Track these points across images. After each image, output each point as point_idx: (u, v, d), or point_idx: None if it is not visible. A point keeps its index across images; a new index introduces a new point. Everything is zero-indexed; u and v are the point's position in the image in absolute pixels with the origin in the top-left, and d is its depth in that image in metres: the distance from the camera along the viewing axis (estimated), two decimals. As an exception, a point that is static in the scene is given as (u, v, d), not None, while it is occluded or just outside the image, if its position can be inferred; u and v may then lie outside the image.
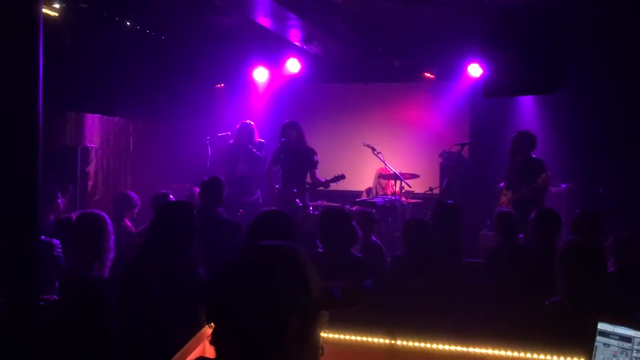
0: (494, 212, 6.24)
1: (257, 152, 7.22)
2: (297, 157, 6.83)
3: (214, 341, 1.28)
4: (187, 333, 2.04)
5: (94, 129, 8.14)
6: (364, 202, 7.42)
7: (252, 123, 7.44)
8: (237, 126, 7.50)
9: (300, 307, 1.26)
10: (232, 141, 7.49)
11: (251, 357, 1.23)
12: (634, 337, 1.72)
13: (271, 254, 1.33)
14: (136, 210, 5.69)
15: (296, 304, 1.26)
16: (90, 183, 7.81)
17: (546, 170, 6.04)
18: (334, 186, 7.12)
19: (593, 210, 4.91)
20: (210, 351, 1.31)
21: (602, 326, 1.78)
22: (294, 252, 1.34)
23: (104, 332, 2.53)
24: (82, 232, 3.41)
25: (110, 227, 3.50)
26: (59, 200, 5.62)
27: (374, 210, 6.27)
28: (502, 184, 6.54)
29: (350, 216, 4.14)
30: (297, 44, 8.46)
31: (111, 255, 3.43)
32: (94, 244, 3.33)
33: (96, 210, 3.73)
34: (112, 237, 3.50)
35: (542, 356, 2.05)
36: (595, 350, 1.77)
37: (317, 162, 6.90)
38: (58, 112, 7.55)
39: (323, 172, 7.05)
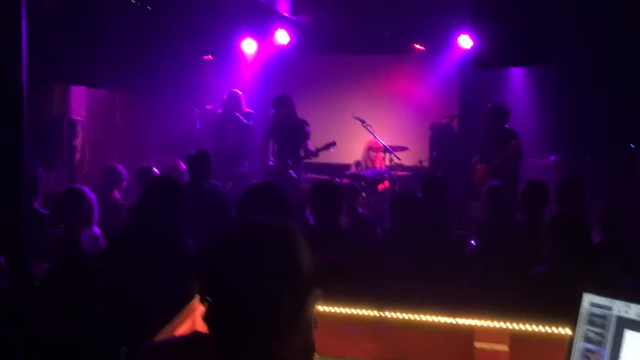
0: (472, 185, 6.34)
1: (245, 122, 7.19)
2: (289, 130, 6.80)
3: (206, 318, 1.28)
4: (175, 306, 2.05)
5: (80, 101, 8.04)
6: (353, 175, 7.43)
7: (239, 92, 7.38)
8: (225, 96, 7.45)
9: (291, 285, 1.25)
10: (220, 111, 7.44)
11: (243, 335, 1.24)
12: (613, 307, 1.75)
13: (261, 231, 1.31)
14: (125, 183, 5.67)
15: (287, 282, 1.25)
16: (77, 156, 7.75)
17: (517, 138, 6.09)
18: (323, 158, 7.11)
19: (575, 179, 4.95)
20: (200, 324, 1.31)
21: (587, 296, 1.80)
22: (285, 229, 1.33)
23: (93, 306, 2.53)
24: (65, 205, 3.45)
25: (92, 198, 3.56)
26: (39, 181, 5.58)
27: (363, 183, 6.29)
28: (475, 158, 6.58)
29: (341, 190, 4.15)
30: (285, 14, 8.36)
31: (95, 227, 3.49)
32: (77, 215, 3.38)
33: (78, 185, 3.80)
34: (95, 207, 3.56)
35: (527, 326, 2.08)
36: (580, 320, 1.79)
37: (309, 132, 6.88)
38: (43, 83, 7.43)
39: (313, 144, 7.03)
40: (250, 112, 7.38)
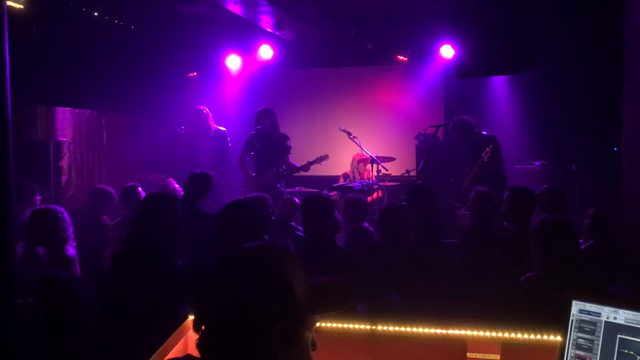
0: (461, 193, 6.43)
1: (211, 142, 7.10)
2: (271, 144, 6.81)
3: (199, 346, 1.28)
4: (167, 328, 2.04)
5: (66, 122, 8.01)
6: (341, 187, 7.45)
7: (206, 110, 7.30)
8: (191, 115, 7.38)
9: (284, 315, 1.24)
10: (184, 130, 7.37)
11: None
12: (602, 313, 1.77)
13: (252, 260, 1.29)
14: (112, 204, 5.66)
15: (279, 313, 1.24)
16: (64, 178, 7.70)
17: (492, 143, 6.22)
18: (311, 171, 7.12)
19: (557, 187, 5.01)
20: (193, 346, 1.31)
21: (576, 303, 1.82)
22: (276, 255, 1.31)
23: (79, 332, 2.51)
24: (35, 228, 3.46)
25: (65, 219, 3.57)
26: (37, 197, 5.55)
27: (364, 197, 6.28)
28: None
29: (332, 203, 4.16)
30: (269, 30, 8.40)
31: (71, 245, 3.49)
32: (50, 237, 3.39)
33: (49, 205, 3.81)
34: (69, 227, 3.56)
35: (519, 335, 2.09)
36: (571, 327, 1.81)
37: (289, 147, 6.89)
38: (27, 106, 7.40)
39: (300, 158, 7.04)
40: (222, 131, 7.27)
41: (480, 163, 6.16)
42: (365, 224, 4.77)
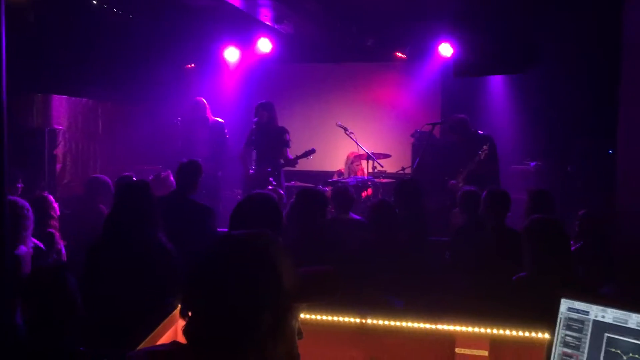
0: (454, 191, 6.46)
1: (208, 134, 7.08)
2: (269, 138, 6.81)
3: (185, 332, 1.28)
4: (157, 317, 2.04)
5: (62, 110, 7.99)
6: (337, 182, 7.45)
7: (204, 101, 7.27)
8: (188, 105, 7.34)
9: (271, 301, 1.25)
10: (181, 121, 7.35)
11: (222, 350, 1.24)
12: (590, 311, 1.78)
13: (241, 248, 1.30)
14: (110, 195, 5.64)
15: (266, 301, 1.24)
16: (58, 166, 7.68)
17: (489, 142, 6.26)
18: (306, 166, 7.12)
19: (541, 189, 5.03)
20: (182, 335, 1.31)
21: (565, 301, 1.83)
22: (265, 243, 1.31)
23: (70, 322, 2.51)
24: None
25: (29, 216, 3.56)
26: (19, 185, 5.54)
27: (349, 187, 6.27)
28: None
29: (326, 197, 4.16)
30: (268, 23, 8.38)
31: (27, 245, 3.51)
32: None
33: (16, 198, 3.79)
34: (30, 226, 3.56)
35: (507, 332, 2.10)
36: (559, 325, 1.82)
37: (289, 140, 6.89)
38: (23, 93, 7.38)
39: (296, 152, 7.04)
40: (219, 122, 7.23)
41: (477, 161, 6.19)
42: (352, 214, 4.78)
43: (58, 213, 4.85)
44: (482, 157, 6.16)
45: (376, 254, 3.69)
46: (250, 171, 6.86)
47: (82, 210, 5.58)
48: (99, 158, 8.57)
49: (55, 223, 4.75)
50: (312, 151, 6.88)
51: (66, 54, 7.37)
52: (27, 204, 3.76)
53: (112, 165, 8.21)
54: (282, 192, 5.32)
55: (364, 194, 7.42)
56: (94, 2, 7.66)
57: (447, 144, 7.23)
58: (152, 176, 6.10)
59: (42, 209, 4.55)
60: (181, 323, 1.30)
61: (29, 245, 3.76)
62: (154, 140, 8.42)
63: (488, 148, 6.16)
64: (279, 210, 3.18)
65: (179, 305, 1.30)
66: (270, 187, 5.11)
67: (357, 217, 4.81)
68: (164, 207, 3.74)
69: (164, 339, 2.00)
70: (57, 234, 4.58)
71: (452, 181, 6.55)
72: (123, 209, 3.34)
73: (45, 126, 7.49)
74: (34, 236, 3.98)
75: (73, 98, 8.19)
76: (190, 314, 1.27)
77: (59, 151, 7.71)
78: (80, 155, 8.23)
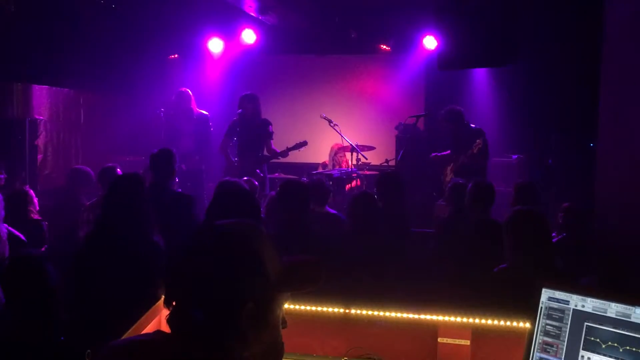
0: (441, 183, 6.50)
1: (193, 126, 7.04)
2: (252, 129, 6.79)
3: (169, 321, 1.28)
4: (143, 306, 2.04)
5: (42, 100, 7.89)
6: (320, 174, 7.46)
7: (189, 92, 7.21)
8: (173, 96, 7.27)
9: (255, 291, 1.25)
10: (164, 113, 7.29)
11: (206, 340, 1.24)
12: (570, 301, 1.81)
13: (223, 236, 1.30)
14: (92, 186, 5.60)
15: (250, 290, 1.24)
16: (39, 157, 7.60)
17: (482, 136, 6.27)
18: (290, 158, 7.11)
19: (529, 181, 5.08)
20: (166, 325, 1.31)
21: (545, 291, 1.85)
22: (249, 233, 1.31)
23: (52, 312, 2.50)
24: None
25: None
26: (1, 176, 5.48)
27: (330, 182, 6.30)
28: (433, 155, 6.75)
29: (308, 189, 4.16)
30: (252, 14, 8.34)
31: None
32: None
33: None
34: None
35: (489, 321, 2.13)
36: (540, 314, 1.84)
37: (272, 132, 6.88)
38: (3, 83, 7.27)
39: (280, 144, 7.03)
40: (204, 115, 7.16)
41: (469, 155, 6.19)
42: (328, 208, 4.77)
43: (37, 208, 4.81)
44: (474, 151, 6.16)
45: (356, 245, 3.70)
46: (234, 162, 6.84)
47: (62, 201, 5.54)
48: (81, 149, 8.48)
49: (34, 217, 4.71)
50: (304, 143, 6.88)
51: (47, 43, 7.27)
52: None
53: (94, 156, 8.14)
54: (256, 183, 5.27)
55: (347, 186, 7.44)
56: (76, -9, 7.57)
57: (435, 135, 7.24)
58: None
59: (23, 202, 4.52)
60: (165, 313, 1.30)
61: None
62: (136, 131, 8.35)
63: (482, 142, 6.16)
64: (253, 199, 3.19)
65: (163, 296, 1.30)
66: (245, 178, 5.07)
67: (333, 211, 4.82)
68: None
69: (149, 329, 1.99)
70: (45, 224, 4.57)
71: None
72: (114, 202, 3.30)
73: (26, 116, 7.39)
74: (16, 229, 3.96)
75: (54, 88, 8.09)
76: (174, 303, 1.27)
77: (40, 142, 7.63)
78: (61, 146, 8.14)
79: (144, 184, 3.42)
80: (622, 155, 4.44)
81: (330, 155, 8.29)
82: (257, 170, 6.64)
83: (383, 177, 4.79)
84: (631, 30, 4.39)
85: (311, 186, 4.73)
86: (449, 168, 6.59)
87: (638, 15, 4.28)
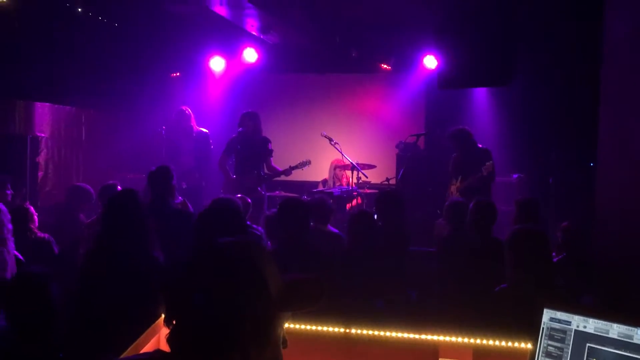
0: (444, 202, 6.45)
1: (193, 143, 7.07)
2: (252, 147, 6.80)
3: (169, 340, 1.27)
4: (143, 322, 2.03)
5: (44, 118, 7.92)
6: (320, 193, 7.45)
7: (189, 110, 7.25)
8: (173, 115, 7.31)
9: (256, 309, 1.24)
10: (165, 131, 7.33)
11: (207, 359, 1.23)
12: (572, 321, 1.80)
13: (226, 255, 1.29)
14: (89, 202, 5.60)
15: (251, 307, 1.24)
16: (40, 174, 7.61)
17: (491, 158, 6.25)
18: (291, 176, 7.11)
19: (532, 198, 5.07)
20: (165, 344, 1.30)
21: (547, 311, 1.85)
22: (250, 250, 1.31)
23: (53, 329, 2.49)
24: None
25: (5, 216, 3.56)
26: (8, 192, 5.48)
27: (331, 201, 6.30)
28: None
29: (308, 207, 4.15)
30: (254, 33, 8.40)
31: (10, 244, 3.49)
32: None
33: None
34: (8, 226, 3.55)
35: (491, 342, 2.12)
36: (541, 335, 1.83)
37: (271, 150, 6.89)
38: (6, 100, 7.31)
39: (280, 162, 7.04)
40: (204, 133, 7.20)
41: (479, 177, 6.15)
42: (330, 227, 4.76)
43: (37, 224, 4.81)
44: (484, 174, 6.12)
45: (355, 263, 3.69)
46: (233, 176, 6.84)
47: (61, 218, 5.54)
48: (82, 166, 8.49)
49: (38, 234, 4.71)
50: (308, 162, 6.88)
51: (50, 61, 7.32)
52: (3, 208, 3.76)
53: (95, 174, 8.15)
54: (249, 200, 5.27)
55: (348, 205, 7.43)
56: (79, 9, 7.63)
57: (435, 154, 7.23)
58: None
59: (23, 219, 4.52)
60: (165, 331, 1.29)
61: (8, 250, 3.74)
62: (137, 149, 8.36)
63: (491, 165, 6.13)
64: (239, 217, 3.19)
65: (163, 314, 1.29)
66: (239, 195, 5.06)
67: (335, 230, 4.81)
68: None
69: (148, 348, 1.98)
70: (53, 239, 4.57)
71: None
72: (112, 219, 3.30)
73: (28, 133, 7.42)
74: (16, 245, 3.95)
75: (56, 105, 8.12)
76: (174, 322, 1.26)
77: (41, 159, 7.65)
78: (62, 163, 8.16)
79: (139, 199, 3.42)
80: (622, 173, 4.45)
81: (330, 170, 8.29)
82: (259, 189, 6.64)
83: (382, 195, 4.79)
84: (629, 49, 4.42)
85: (313, 205, 4.73)
86: (453, 187, 6.56)
87: (635, 34, 4.32)
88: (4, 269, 3.60)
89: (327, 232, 4.67)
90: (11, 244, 3.75)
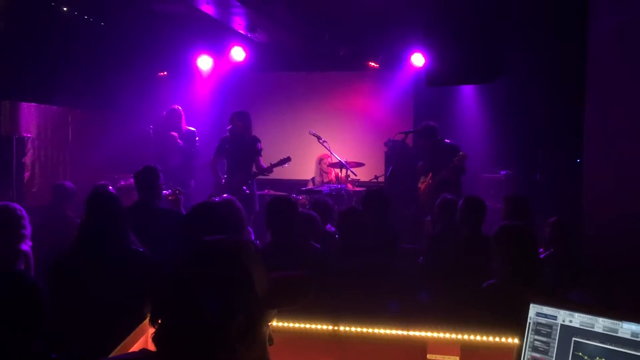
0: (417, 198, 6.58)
1: (181, 143, 7.09)
2: (242, 147, 6.80)
3: (155, 339, 1.27)
4: (130, 324, 2.02)
5: (31, 118, 7.85)
6: (309, 191, 7.46)
7: (179, 109, 7.28)
8: (164, 113, 7.33)
9: (243, 307, 1.24)
10: (154, 130, 7.33)
11: (194, 357, 1.23)
12: (558, 316, 1.82)
13: (213, 253, 1.29)
14: (75, 200, 5.59)
15: (239, 305, 1.24)
16: (27, 174, 7.55)
17: (461, 149, 6.40)
18: (279, 175, 7.11)
19: (521, 194, 5.11)
20: (151, 343, 1.30)
21: (533, 306, 1.86)
22: (236, 248, 1.30)
23: (37, 328, 2.47)
24: None
25: (24, 217, 3.55)
26: None
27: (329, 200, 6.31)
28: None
29: (295, 204, 4.16)
30: (241, 31, 8.38)
31: (27, 244, 3.47)
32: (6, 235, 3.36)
33: (7, 202, 3.78)
34: (28, 226, 3.55)
35: (478, 337, 2.13)
36: (528, 330, 1.85)
37: (261, 149, 6.90)
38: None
39: (269, 161, 7.04)
40: (191, 131, 7.25)
41: (451, 167, 6.27)
42: (328, 226, 4.78)
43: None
44: (456, 163, 6.24)
45: (345, 260, 3.70)
46: (222, 180, 6.84)
47: (50, 217, 5.52)
48: (69, 166, 8.43)
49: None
50: (288, 159, 6.90)
51: (36, 60, 7.26)
52: (18, 206, 3.77)
53: (82, 174, 8.09)
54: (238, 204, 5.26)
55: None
56: (65, 9, 7.57)
57: (418, 151, 7.32)
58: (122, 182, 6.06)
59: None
60: (152, 331, 1.29)
61: (28, 244, 3.75)
62: (125, 149, 8.32)
63: (462, 156, 6.26)
64: (227, 217, 3.20)
65: (149, 313, 1.29)
66: (225, 196, 5.06)
67: (333, 229, 4.82)
68: (132, 217, 3.70)
69: (135, 348, 1.98)
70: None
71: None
72: (89, 217, 3.31)
73: (14, 134, 7.35)
74: None
75: (42, 105, 8.05)
76: (160, 321, 1.26)
77: (28, 159, 7.58)
78: (49, 163, 8.09)
79: (116, 199, 3.44)
80: (607, 169, 4.49)
81: (316, 165, 8.29)
82: (244, 187, 6.64)
83: (368, 194, 4.80)
84: (614, 45, 4.46)
85: (315, 204, 4.76)
86: (423, 185, 6.69)
87: (621, 29, 4.35)
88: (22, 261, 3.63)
89: (326, 232, 4.68)
90: (28, 241, 3.76)
